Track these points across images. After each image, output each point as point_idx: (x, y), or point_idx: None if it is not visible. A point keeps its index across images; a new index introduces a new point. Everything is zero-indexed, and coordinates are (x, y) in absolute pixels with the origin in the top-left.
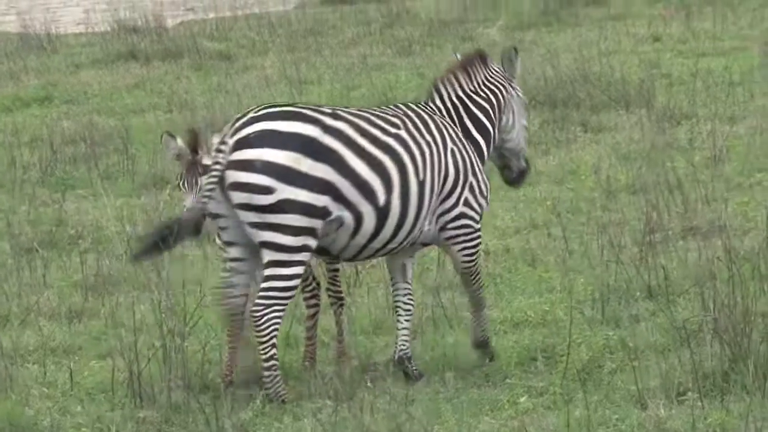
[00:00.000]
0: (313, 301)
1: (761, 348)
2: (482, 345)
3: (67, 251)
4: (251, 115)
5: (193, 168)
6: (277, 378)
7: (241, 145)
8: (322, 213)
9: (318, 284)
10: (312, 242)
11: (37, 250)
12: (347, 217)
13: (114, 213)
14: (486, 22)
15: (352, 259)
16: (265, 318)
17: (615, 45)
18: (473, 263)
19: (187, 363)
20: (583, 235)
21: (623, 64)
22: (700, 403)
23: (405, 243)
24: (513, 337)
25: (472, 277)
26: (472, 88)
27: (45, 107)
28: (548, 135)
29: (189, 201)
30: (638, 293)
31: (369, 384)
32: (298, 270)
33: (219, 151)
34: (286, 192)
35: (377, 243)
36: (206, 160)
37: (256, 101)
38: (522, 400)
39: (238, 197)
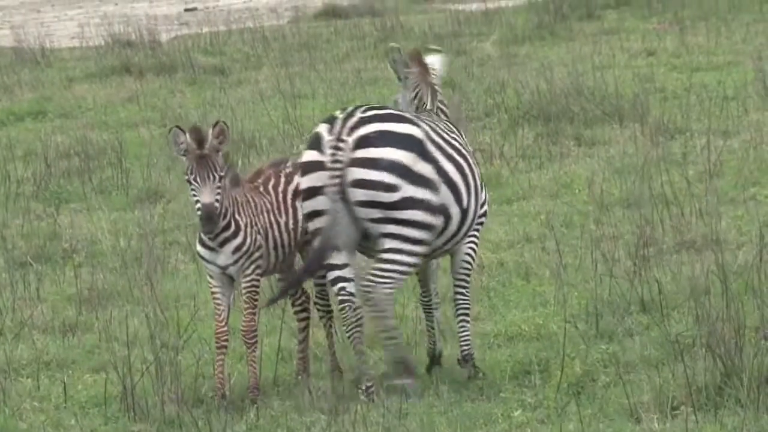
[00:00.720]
0: (303, 315)
1: (754, 362)
2: (469, 359)
3: (61, 265)
4: (360, 115)
5: (204, 162)
6: (400, 345)
7: (363, 143)
8: (440, 210)
9: (307, 297)
10: (431, 239)
11: (30, 264)
12: (441, 218)
13: (108, 227)
14: (480, 36)
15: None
16: (376, 293)
17: (609, 59)
18: (475, 261)
19: (181, 377)
20: (577, 249)
21: (617, 78)
22: (693, 417)
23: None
24: (507, 351)
25: (469, 277)
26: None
27: (39, 121)
28: (542, 149)
29: (204, 195)
30: (632, 307)
31: (363, 397)
32: (417, 261)
33: (337, 148)
34: (410, 190)
35: (449, 244)
36: (216, 155)
37: (250, 115)
38: (516, 413)
39: (362, 194)
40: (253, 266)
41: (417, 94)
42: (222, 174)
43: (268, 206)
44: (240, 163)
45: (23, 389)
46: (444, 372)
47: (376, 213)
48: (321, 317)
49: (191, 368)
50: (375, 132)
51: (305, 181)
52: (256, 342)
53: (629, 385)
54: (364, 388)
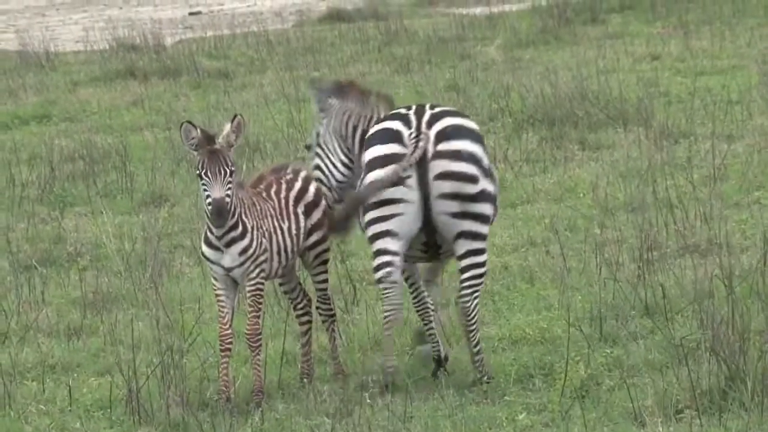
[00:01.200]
0: (305, 318)
1: (759, 365)
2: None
3: (66, 269)
4: (430, 111)
5: (215, 157)
6: (484, 358)
7: (444, 136)
8: (497, 206)
9: (309, 301)
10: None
11: (35, 268)
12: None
13: (113, 230)
14: (484, 41)
15: (441, 256)
16: (474, 305)
17: (613, 63)
18: None
19: (186, 380)
20: (581, 253)
21: (621, 82)
22: (698, 421)
23: None
24: (511, 355)
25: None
26: None
27: (43, 125)
28: (546, 153)
29: (215, 190)
30: (636, 311)
31: (367, 401)
32: (487, 257)
33: (418, 140)
34: (484, 183)
35: None
36: (228, 151)
37: (254, 119)
38: (520, 417)
39: (447, 186)
40: (258, 269)
41: (348, 122)
42: (233, 169)
43: (272, 211)
44: (244, 167)
45: (28, 392)
46: (448, 376)
47: (456, 206)
48: (323, 321)
49: (196, 371)
50: (451, 126)
51: (387, 171)
52: (261, 345)
53: (633, 388)
54: (381, 381)
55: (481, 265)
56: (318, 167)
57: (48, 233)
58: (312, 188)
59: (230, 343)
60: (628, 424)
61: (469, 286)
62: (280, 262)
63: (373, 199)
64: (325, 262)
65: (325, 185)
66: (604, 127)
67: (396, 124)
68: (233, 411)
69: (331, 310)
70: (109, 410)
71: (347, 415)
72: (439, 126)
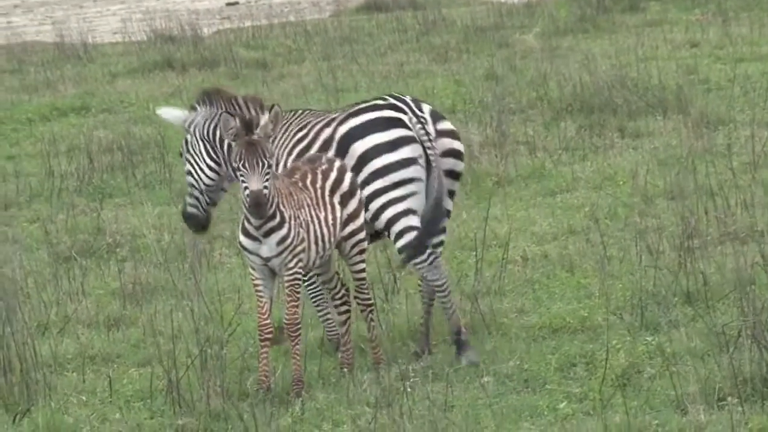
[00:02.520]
0: (343, 308)
1: None
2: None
3: (105, 260)
4: (407, 98)
5: (253, 148)
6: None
7: (436, 117)
8: None
9: (347, 290)
10: None
11: (75, 259)
12: None
13: (152, 221)
14: (522, 29)
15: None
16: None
17: (652, 51)
18: None
19: (226, 370)
20: (622, 241)
21: (660, 69)
22: (740, 408)
23: None
24: (552, 343)
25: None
26: None
27: (82, 116)
28: (585, 141)
29: (253, 181)
30: (677, 299)
31: (408, 390)
32: None
33: (422, 121)
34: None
35: None
36: (266, 142)
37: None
38: (561, 405)
39: (452, 163)
40: (295, 259)
41: (215, 127)
42: (271, 161)
43: (308, 201)
44: None
45: (69, 384)
46: (488, 365)
47: (451, 184)
48: (362, 311)
49: (236, 362)
50: (433, 109)
51: (399, 154)
52: (299, 335)
53: (675, 376)
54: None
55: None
56: (189, 173)
57: (87, 224)
58: (347, 178)
59: (269, 333)
60: (669, 411)
61: (439, 254)
62: (317, 252)
63: (386, 183)
64: (362, 251)
65: (196, 189)
66: (643, 115)
67: (388, 113)
68: (273, 401)
69: (369, 299)
70: (149, 401)
71: (388, 404)
72: (426, 108)
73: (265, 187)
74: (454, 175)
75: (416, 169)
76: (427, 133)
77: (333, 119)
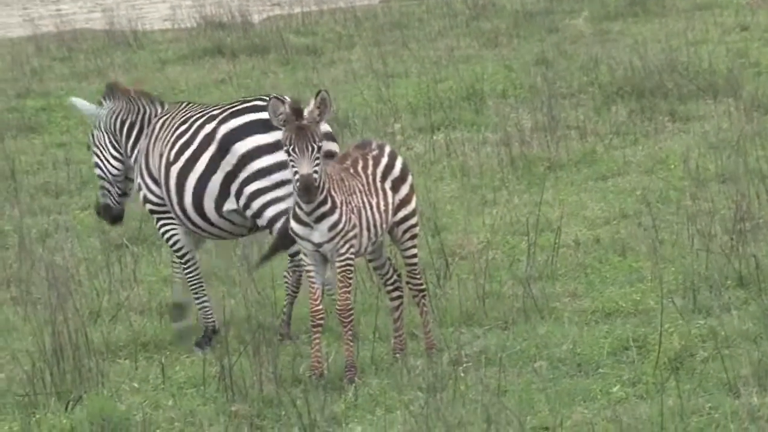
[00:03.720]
0: (395, 294)
1: None
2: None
3: (157, 246)
4: (286, 100)
5: (303, 133)
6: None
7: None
8: None
9: (399, 276)
10: None
11: (127, 246)
12: None
13: None
14: (572, 13)
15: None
16: None
17: (702, 34)
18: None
19: (278, 356)
20: (673, 225)
21: (711, 53)
22: None
23: None
24: (605, 327)
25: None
26: None
27: None
28: (636, 125)
29: (303, 166)
30: (729, 282)
31: (460, 375)
32: None
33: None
34: None
35: None
36: (315, 126)
37: (343, 95)
38: (615, 389)
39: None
40: (347, 245)
41: (117, 119)
42: (320, 145)
43: (360, 187)
44: None
45: (121, 371)
46: (541, 349)
47: None
48: (414, 296)
49: (289, 348)
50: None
51: (279, 156)
52: (352, 321)
53: (728, 359)
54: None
55: None
56: (96, 165)
57: (138, 212)
58: (398, 163)
59: (321, 318)
60: (722, 394)
61: None
62: (369, 238)
63: (267, 183)
64: (414, 237)
65: (105, 180)
66: (693, 99)
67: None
68: (326, 387)
69: (421, 284)
70: (201, 387)
71: (440, 389)
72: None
73: (315, 172)
74: None
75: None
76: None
77: (214, 116)
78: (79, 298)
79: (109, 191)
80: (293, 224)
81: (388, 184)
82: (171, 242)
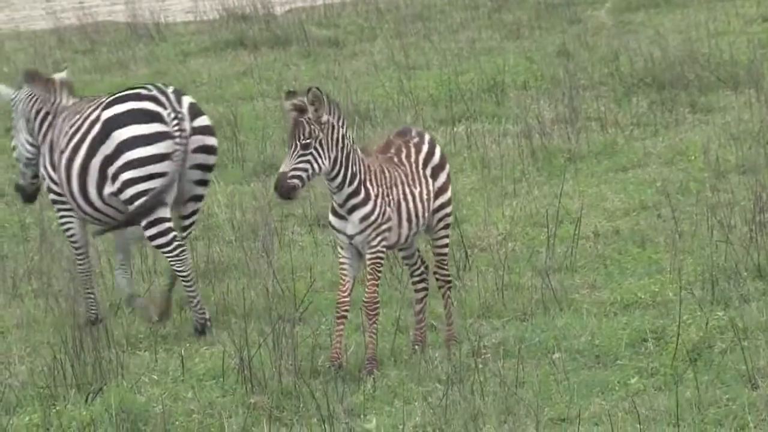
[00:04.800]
0: (421, 285)
1: None
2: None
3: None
4: (172, 89)
5: (294, 128)
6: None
7: (194, 113)
8: None
9: (426, 268)
10: None
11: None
12: None
13: (224, 200)
14: (594, 4)
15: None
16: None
17: (724, 25)
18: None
19: (298, 348)
20: (693, 216)
21: (732, 44)
22: None
23: None
24: (623, 319)
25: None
26: None
27: None
28: (657, 116)
29: (284, 163)
30: (748, 273)
31: (479, 367)
32: None
33: (179, 119)
34: None
35: None
36: (311, 123)
37: (364, 87)
38: (632, 381)
39: (203, 158)
40: (379, 238)
41: (33, 106)
42: (305, 142)
43: (403, 178)
44: (355, 135)
45: (141, 363)
46: (559, 341)
47: (202, 175)
48: (440, 287)
49: (308, 340)
50: (193, 103)
51: (154, 149)
52: (377, 314)
53: (746, 351)
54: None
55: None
56: (13, 147)
57: None
58: (438, 151)
59: (347, 310)
60: (741, 386)
61: (188, 235)
62: (410, 228)
63: (141, 174)
64: (447, 226)
65: (21, 162)
66: (714, 90)
67: (149, 105)
68: (345, 378)
69: (448, 276)
70: (221, 379)
71: (459, 381)
72: (185, 103)
73: (295, 170)
74: (206, 167)
75: (168, 164)
76: (182, 130)
77: (101, 103)
78: (99, 291)
79: (24, 174)
80: (330, 217)
81: (428, 171)
82: (67, 233)
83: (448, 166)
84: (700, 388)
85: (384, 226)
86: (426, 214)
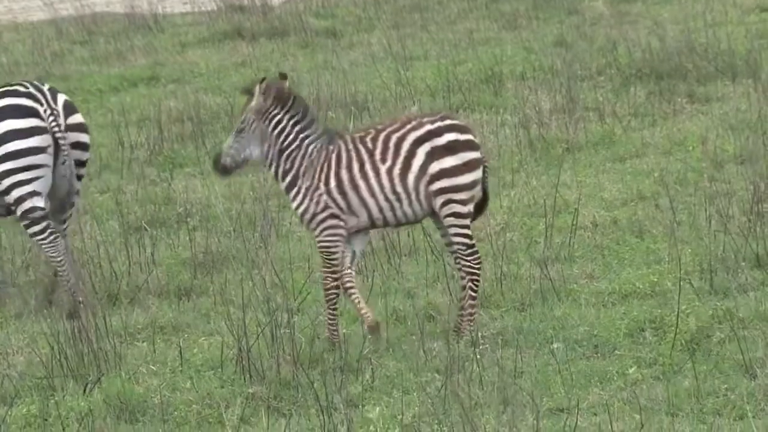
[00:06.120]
0: (461, 273)
1: None
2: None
3: (176, 229)
4: (47, 86)
5: (241, 112)
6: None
7: (69, 111)
8: None
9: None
10: None
11: (145, 229)
12: None
13: (222, 191)
14: None
15: None
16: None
17: (721, 16)
18: None
19: (296, 339)
20: (691, 206)
21: (730, 34)
22: None
23: None
24: (621, 309)
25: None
26: None
27: (152, 87)
28: (655, 106)
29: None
30: (746, 263)
31: (477, 357)
32: None
33: (54, 115)
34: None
35: None
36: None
37: (362, 78)
38: (631, 371)
39: (76, 154)
40: (319, 228)
41: None
42: (240, 127)
43: (367, 157)
44: (351, 126)
45: (139, 353)
46: (557, 331)
47: (78, 169)
48: (462, 277)
49: (306, 330)
50: (67, 101)
51: (31, 142)
52: (331, 300)
53: (744, 341)
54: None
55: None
56: None
57: (157, 194)
58: (451, 134)
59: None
60: (739, 376)
61: (61, 231)
62: (378, 204)
63: (17, 165)
64: (455, 215)
65: None
66: (712, 80)
67: (26, 101)
68: (343, 369)
69: (469, 266)
70: (219, 370)
71: (457, 371)
72: (60, 101)
73: (228, 150)
74: (80, 163)
75: (44, 157)
76: (58, 125)
77: None
78: (97, 281)
79: None
80: None
81: (424, 149)
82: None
83: (466, 154)
84: (699, 378)
85: (321, 216)
86: (399, 189)
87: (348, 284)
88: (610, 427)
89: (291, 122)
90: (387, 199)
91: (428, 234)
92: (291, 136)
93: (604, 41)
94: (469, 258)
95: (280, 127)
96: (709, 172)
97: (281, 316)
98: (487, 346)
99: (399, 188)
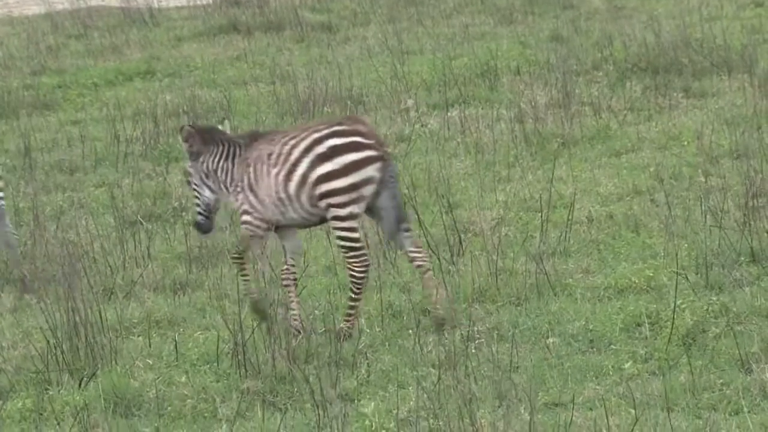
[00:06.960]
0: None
1: None
2: None
3: (171, 224)
4: None
5: None
6: None
7: None
8: None
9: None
10: None
11: (141, 223)
12: None
13: None
14: None
15: None
16: None
17: (717, 11)
18: None
19: (291, 333)
20: (687, 201)
21: (725, 29)
22: None
23: None
24: (617, 304)
25: None
26: None
27: (147, 81)
28: (650, 101)
29: None
30: (741, 258)
31: (473, 351)
32: None
33: None
34: None
35: None
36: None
37: (357, 72)
38: (627, 365)
39: None
40: (241, 219)
41: None
42: (187, 180)
43: (266, 158)
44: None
45: (135, 347)
46: (553, 326)
47: None
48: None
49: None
50: None
51: None
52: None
53: (740, 335)
54: None
55: None
56: None
57: (153, 189)
58: (332, 141)
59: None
60: (734, 371)
61: None
62: (275, 204)
63: None
64: (338, 218)
65: None
66: (708, 75)
67: None
68: (339, 363)
69: (350, 267)
70: (215, 364)
71: (453, 366)
72: None
73: (196, 208)
74: None
75: None
76: None
77: None
78: (93, 276)
79: None
80: None
81: (310, 157)
82: None
83: (345, 158)
84: (694, 373)
85: (243, 207)
86: (283, 195)
87: (283, 276)
88: (605, 421)
89: (215, 154)
90: (274, 203)
91: (423, 229)
92: (225, 163)
93: (599, 36)
94: (351, 261)
95: (208, 164)
96: (705, 167)
97: (276, 310)
98: (483, 340)
99: (282, 194)
